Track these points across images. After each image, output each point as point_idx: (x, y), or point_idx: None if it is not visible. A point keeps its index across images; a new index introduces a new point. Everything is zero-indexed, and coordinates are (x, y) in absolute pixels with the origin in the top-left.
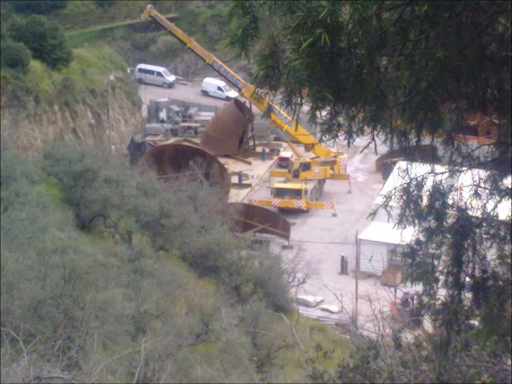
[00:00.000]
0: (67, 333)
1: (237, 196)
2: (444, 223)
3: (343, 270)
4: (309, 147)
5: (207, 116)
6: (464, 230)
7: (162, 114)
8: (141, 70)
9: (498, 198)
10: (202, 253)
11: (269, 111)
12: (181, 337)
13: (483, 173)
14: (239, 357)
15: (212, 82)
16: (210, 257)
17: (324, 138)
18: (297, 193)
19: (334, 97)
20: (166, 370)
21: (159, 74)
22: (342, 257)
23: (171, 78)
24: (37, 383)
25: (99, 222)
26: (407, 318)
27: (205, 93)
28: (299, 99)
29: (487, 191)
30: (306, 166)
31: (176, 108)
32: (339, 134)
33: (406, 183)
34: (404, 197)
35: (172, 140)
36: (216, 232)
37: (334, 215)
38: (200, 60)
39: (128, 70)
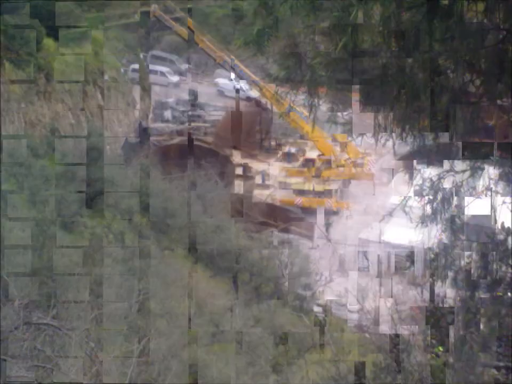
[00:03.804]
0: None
1: (260, 196)
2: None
3: (367, 268)
4: (342, 147)
5: (217, 115)
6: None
7: (167, 114)
8: (153, 57)
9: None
10: (218, 252)
11: (288, 111)
12: (188, 337)
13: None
14: (254, 358)
15: (225, 82)
16: (226, 257)
17: (351, 137)
18: (321, 193)
19: (362, 98)
20: (171, 370)
21: (162, 74)
22: (364, 254)
23: (174, 78)
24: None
25: (101, 201)
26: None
27: (221, 93)
28: (316, 99)
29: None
30: (330, 165)
31: (182, 108)
32: (367, 134)
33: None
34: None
35: (177, 140)
36: (231, 232)
37: (351, 215)
38: (212, 59)
39: (141, 56)
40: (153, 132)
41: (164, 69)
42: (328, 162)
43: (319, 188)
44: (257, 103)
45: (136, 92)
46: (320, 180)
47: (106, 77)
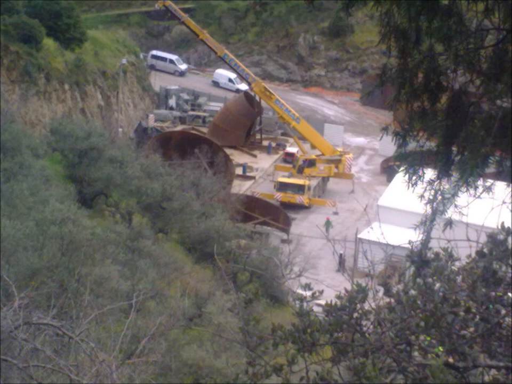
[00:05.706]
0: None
1: (240, 187)
2: None
3: (341, 267)
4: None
5: (216, 106)
6: None
7: (172, 101)
8: (153, 56)
9: None
10: (201, 238)
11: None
12: (174, 318)
13: None
14: (230, 341)
15: (223, 74)
16: (208, 244)
17: None
18: (300, 188)
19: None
20: (157, 348)
21: (171, 61)
22: (340, 254)
23: (183, 66)
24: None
25: (101, 201)
26: None
27: (216, 84)
28: None
29: None
30: (311, 163)
31: (185, 96)
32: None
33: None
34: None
35: (179, 127)
36: (216, 220)
37: (336, 213)
38: (213, 51)
39: (141, 55)
40: (158, 118)
41: (173, 56)
42: (311, 160)
43: (299, 182)
44: (247, 96)
45: (153, 77)
46: (302, 176)
47: (124, 60)
